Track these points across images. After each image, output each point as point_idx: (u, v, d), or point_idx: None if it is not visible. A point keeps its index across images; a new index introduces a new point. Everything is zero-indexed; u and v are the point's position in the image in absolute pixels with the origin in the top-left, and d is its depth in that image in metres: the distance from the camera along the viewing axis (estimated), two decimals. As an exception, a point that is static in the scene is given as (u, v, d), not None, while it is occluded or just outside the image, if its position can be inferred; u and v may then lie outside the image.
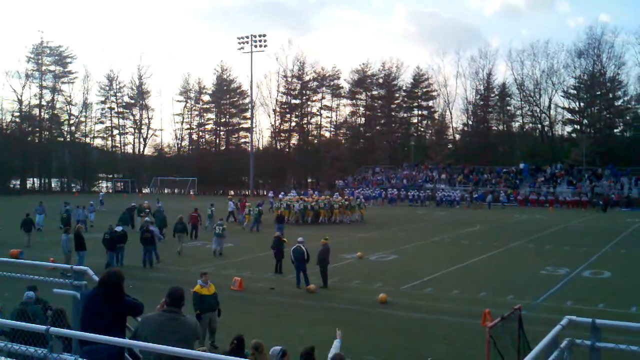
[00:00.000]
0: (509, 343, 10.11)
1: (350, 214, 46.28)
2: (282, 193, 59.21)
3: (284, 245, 23.77)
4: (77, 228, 25.19)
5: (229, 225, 41.38)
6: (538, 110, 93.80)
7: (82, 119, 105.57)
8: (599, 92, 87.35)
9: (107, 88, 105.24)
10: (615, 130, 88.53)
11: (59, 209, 39.88)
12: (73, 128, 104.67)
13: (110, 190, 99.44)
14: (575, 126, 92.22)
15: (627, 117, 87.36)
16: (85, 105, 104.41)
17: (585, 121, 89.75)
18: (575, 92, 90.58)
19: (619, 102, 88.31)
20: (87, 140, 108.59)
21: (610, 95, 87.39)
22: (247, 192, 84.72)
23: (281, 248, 23.58)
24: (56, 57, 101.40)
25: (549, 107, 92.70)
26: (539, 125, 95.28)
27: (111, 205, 53.09)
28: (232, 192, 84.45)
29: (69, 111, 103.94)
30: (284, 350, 9.16)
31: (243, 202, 45.91)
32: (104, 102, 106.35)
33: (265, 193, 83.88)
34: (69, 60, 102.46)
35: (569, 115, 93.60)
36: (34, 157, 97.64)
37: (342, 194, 59.22)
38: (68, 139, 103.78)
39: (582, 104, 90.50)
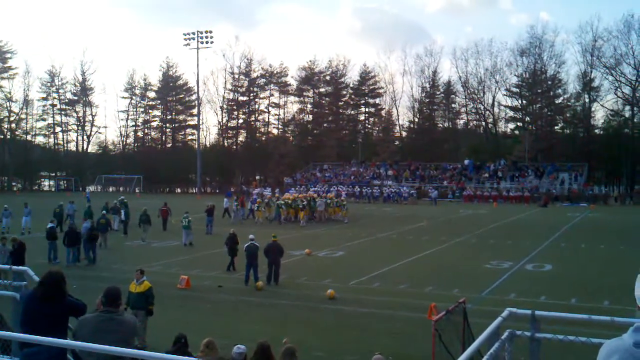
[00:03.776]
0: (454, 336, 10.30)
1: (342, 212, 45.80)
2: (268, 189, 60.08)
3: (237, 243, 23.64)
4: (12, 239, 21.04)
5: (224, 221, 41.23)
6: (482, 107, 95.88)
7: (23, 116, 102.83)
8: (540, 90, 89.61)
9: (49, 84, 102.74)
10: (555, 127, 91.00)
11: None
12: (13, 125, 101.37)
13: (53, 189, 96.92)
14: (518, 123, 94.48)
15: (567, 115, 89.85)
16: (26, 102, 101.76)
17: (527, 118, 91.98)
18: (517, 90, 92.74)
19: (559, 100, 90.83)
20: (29, 137, 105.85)
21: (551, 93, 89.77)
22: (245, 188, 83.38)
23: (234, 245, 23.45)
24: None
25: (493, 104, 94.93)
26: (483, 123, 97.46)
27: (97, 202, 50.95)
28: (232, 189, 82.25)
29: (9, 108, 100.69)
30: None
31: (241, 198, 45.87)
32: (45, 99, 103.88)
33: (214, 190, 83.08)
34: (8, 55, 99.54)
35: (511, 113, 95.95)
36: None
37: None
38: (8, 137, 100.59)
39: (524, 102, 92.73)
